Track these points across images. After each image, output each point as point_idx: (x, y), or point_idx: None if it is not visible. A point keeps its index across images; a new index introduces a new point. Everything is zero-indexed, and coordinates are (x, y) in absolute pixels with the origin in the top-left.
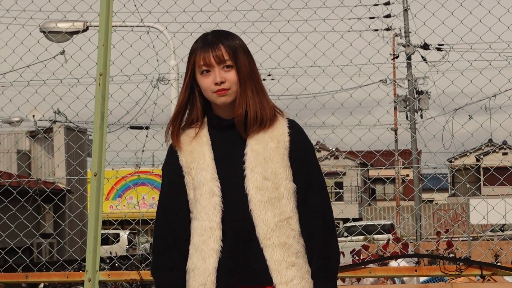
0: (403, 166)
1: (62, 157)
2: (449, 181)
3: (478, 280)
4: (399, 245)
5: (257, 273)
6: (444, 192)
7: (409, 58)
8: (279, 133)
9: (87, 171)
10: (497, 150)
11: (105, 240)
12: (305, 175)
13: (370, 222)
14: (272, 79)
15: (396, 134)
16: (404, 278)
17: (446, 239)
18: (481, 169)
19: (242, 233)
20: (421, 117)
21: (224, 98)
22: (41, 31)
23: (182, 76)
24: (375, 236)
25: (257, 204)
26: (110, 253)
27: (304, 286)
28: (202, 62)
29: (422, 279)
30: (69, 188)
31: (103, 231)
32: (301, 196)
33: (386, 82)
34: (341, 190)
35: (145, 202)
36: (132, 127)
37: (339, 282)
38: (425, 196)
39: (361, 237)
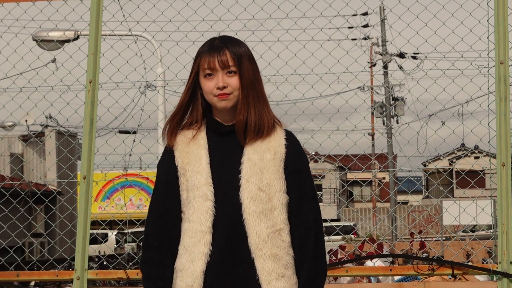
0: (379, 170)
1: (53, 160)
2: (423, 184)
3: (450, 279)
4: (375, 246)
5: (246, 281)
6: (418, 194)
7: (385, 66)
8: (276, 144)
9: (77, 173)
10: (469, 154)
11: (94, 240)
12: (299, 188)
13: (330, 224)
14: None
15: (373, 139)
16: (380, 277)
17: (420, 240)
18: (453, 172)
19: (232, 241)
20: (397, 122)
21: (224, 102)
22: (33, 40)
23: (168, 83)
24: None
25: (251, 214)
26: (99, 252)
27: None
28: (207, 65)
29: (396, 278)
30: (60, 190)
31: (91, 231)
32: (294, 207)
33: (363, 89)
34: (320, 192)
35: (132, 204)
36: (120, 132)
37: None
38: (400, 198)
39: (339, 237)
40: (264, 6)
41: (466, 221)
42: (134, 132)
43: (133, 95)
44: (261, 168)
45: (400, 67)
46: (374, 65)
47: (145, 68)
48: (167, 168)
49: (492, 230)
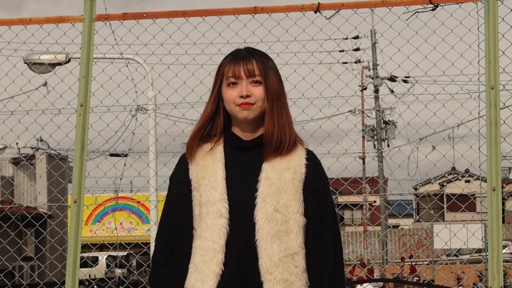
0: (370, 193)
1: (44, 183)
2: (414, 207)
3: None
4: (365, 270)
5: None
6: (409, 218)
7: (376, 90)
8: (296, 164)
9: (67, 197)
10: (460, 178)
11: (84, 264)
12: (318, 210)
13: None
14: None
15: (364, 162)
16: None
17: (410, 264)
18: (444, 196)
19: (244, 261)
20: (388, 146)
21: (246, 112)
22: (25, 63)
23: (160, 107)
24: None
25: (264, 235)
26: (89, 276)
27: None
28: (231, 73)
29: None
30: (51, 214)
31: (82, 255)
32: (312, 231)
33: (354, 112)
34: None
35: (123, 227)
36: (111, 155)
37: None
38: (391, 222)
39: None
40: (256, 30)
41: (457, 245)
42: (125, 156)
43: (124, 118)
44: (279, 187)
45: (392, 91)
46: (365, 89)
47: (136, 91)
48: (180, 180)
49: (477, 254)
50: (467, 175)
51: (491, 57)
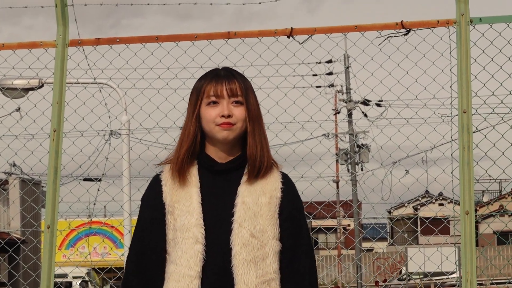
0: (344, 217)
1: (17, 209)
2: (388, 231)
3: None
4: None
5: None
6: (383, 241)
7: (350, 114)
8: (272, 188)
9: (41, 222)
10: (433, 202)
11: None
12: (294, 236)
13: None
14: None
15: (337, 186)
16: None
17: None
18: (418, 219)
19: (220, 287)
20: (362, 170)
21: (226, 132)
22: None
23: (133, 132)
24: None
25: (241, 261)
26: None
27: None
28: (213, 92)
29: None
30: (24, 239)
31: (55, 280)
32: (287, 256)
33: (328, 136)
34: None
35: (96, 252)
36: (85, 180)
37: None
38: (365, 245)
39: None
40: (229, 55)
41: (431, 268)
42: (99, 180)
43: (98, 143)
44: (255, 212)
45: (365, 115)
46: (339, 113)
47: (109, 116)
48: (153, 204)
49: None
50: (441, 198)
51: (464, 81)
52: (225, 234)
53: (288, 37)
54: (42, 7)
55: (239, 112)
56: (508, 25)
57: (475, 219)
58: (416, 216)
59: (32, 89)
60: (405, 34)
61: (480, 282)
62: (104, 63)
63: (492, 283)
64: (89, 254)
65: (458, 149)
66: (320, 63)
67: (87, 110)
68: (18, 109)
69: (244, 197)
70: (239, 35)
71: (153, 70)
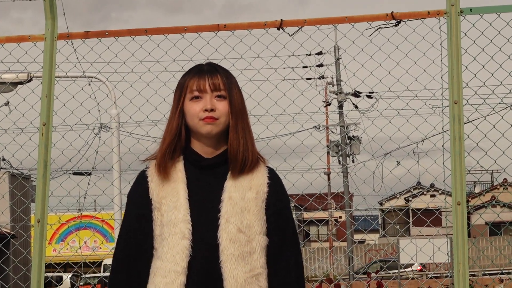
0: (336, 209)
1: (6, 203)
2: (379, 223)
3: None
4: (332, 286)
5: None
6: (375, 233)
7: (340, 106)
8: (258, 183)
9: (31, 216)
10: (425, 193)
11: (49, 284)
12: (280, 231)
13: None
14: None
15: (329, 178)
16: None
17: (377, 279)
18: (410, 211)
19: (208, 283)
20: (353, 161)
21: (209, 127)
22: None
23: (123, 125)
24: None
25: (229, 257)
26: None
27: None
28: (196, 87)
29: None
30: (14, 234)
31: (46, 274)
32: (274, 251)
33: (319, 128)
34: None
35: (87, 246)
36: (75, 173)
37: None
38: (357, 237)
39: None
40: (219, 47)
41: (423, 259)
42: (89, 174)
43: (87, 137)
44: (242, 208)
45: (356, 106)
46: (329, 105)
47: (99, 110)
48: (140, 200)
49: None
50: (432, 189)
51: (454, 72)
52: (212, 229)
53: (278, 29)
54: (30, 0)
55: (222, 106)
56: (499, 15)
57: (467, 210)
58: (407, 207)
59: (21, 83)
60: (396, 25)
61: (473, 273)
62: (93, 56)
63: (484, 274)
64: (80, 248)
65: (449, 140)
66: (310, 55)
67: (76, 103)
68: (7, 103)
69: (230, 192)
70: (229, 27)
71: (142, 63)
